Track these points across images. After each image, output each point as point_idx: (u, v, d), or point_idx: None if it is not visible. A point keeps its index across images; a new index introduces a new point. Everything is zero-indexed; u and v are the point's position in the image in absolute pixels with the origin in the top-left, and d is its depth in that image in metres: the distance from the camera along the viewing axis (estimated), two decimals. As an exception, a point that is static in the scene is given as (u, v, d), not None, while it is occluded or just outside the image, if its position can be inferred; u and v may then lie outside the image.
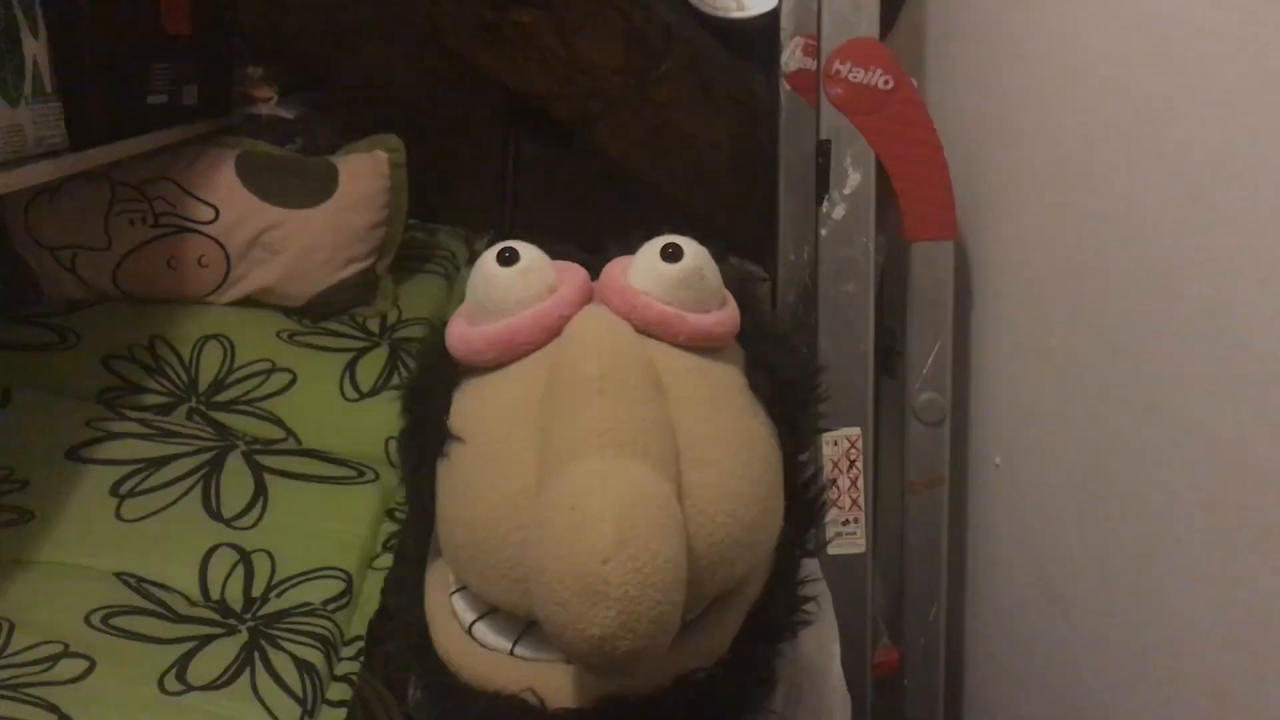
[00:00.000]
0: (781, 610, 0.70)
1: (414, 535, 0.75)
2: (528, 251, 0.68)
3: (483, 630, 0.65)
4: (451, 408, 0.68)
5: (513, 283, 0.67)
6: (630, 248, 0.71)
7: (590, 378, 0.60)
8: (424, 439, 0.70)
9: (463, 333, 0.68)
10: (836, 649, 0.86)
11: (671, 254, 0.67)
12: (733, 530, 0.62)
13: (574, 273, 0.70)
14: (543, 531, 0.54)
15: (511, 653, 0.64)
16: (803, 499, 0.74)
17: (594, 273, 0.71)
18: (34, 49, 1.02)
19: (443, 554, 0.68)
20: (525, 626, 0.64)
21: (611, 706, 0.61)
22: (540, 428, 0.61)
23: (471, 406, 0.68)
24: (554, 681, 0.62)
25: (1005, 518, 1.13)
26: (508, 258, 0.67)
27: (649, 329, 0.66)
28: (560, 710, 0.62)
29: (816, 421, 0.76)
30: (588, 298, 0.69)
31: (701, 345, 0.68)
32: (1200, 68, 0.79)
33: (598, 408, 0.59)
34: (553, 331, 0.66)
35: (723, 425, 0.65)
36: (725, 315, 0.69)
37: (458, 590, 0.68)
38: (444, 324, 0.71)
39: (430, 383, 0.72)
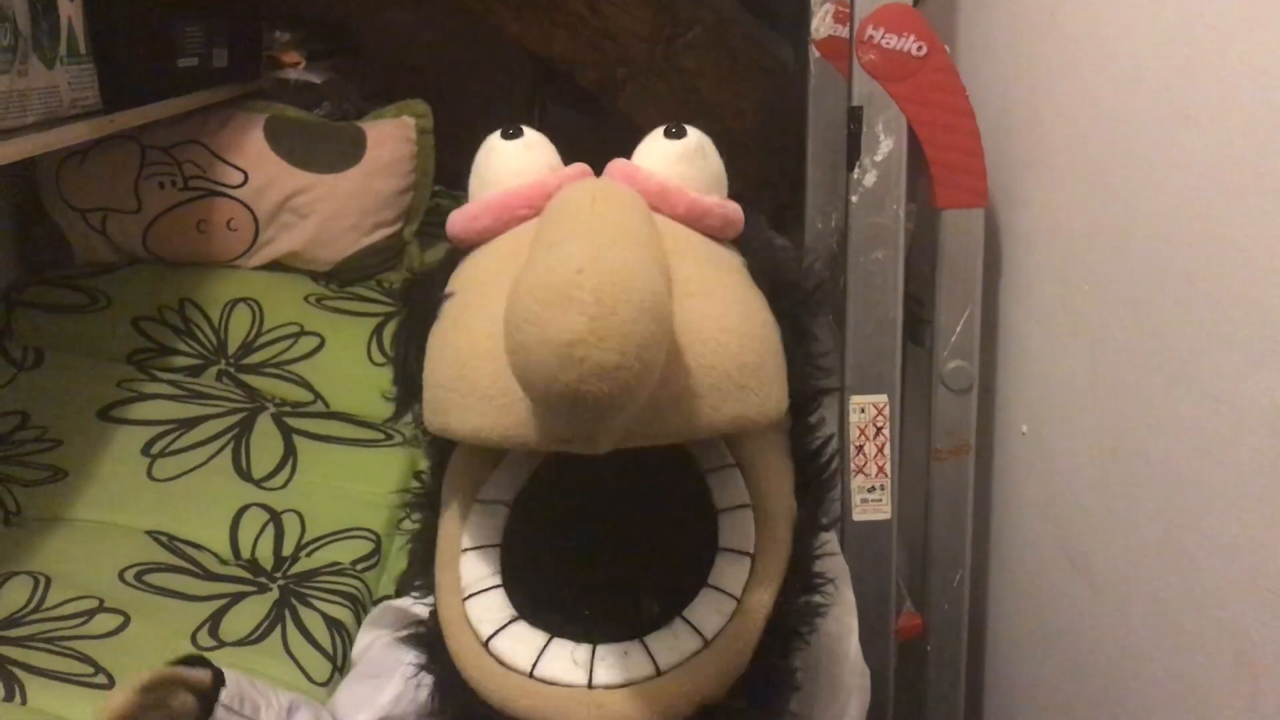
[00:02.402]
0: (801, 615, 0.69)
1: (426, 507, 0.74)
2: (531, 131, 0.69)
3: (500, 646, 0.63)
4: (447, 284, 0.68)
5: (516, 154, 0.68)
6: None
7: (584, 198, 0.61)
8: (416, 318, 0.70)
9: (461, 209, 0.69)
10: (854, 623, 0.85)
11: (675, 133, 0.69)
12: (725, 359, 0.59)
13: (578, 164, 0.71)
14: (520, 275, 0.53)
15: (531, 674, 0.61)
16: (814, 467, 0.73)
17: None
18: (68, 10, 1.03)
19: (424, 411, 0.66)
20: (544, 643, 0.62)
21: None
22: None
23: (465, 271, 0.67)
24: (576, 711, 0.60)
25: (1031, 485, 1.13)
26: (512, 133, 0.68)
27: (649, 200, 0.66)
28: None
29: (819, 351, 0.75)
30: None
31: (700, 223, 0.68)
32: (1235, 33, 0.78)
33: (589, 213, 0.59)
34: (550, 199, 0.66)
35: (719, 275, 0.64)
36: (728, 203, 0.70)
37: (471, 596, 0.65)
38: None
39: (428, 280, 0.72)
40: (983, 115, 1.10)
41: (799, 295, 0.72)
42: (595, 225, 0.57)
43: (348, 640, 1.04)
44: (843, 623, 0.83)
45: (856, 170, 1.10)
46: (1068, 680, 1.07)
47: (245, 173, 1.38)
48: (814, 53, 1.26)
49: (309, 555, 1.13)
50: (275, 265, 1.42)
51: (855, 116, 1.09)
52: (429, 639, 0.70)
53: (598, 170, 0.72)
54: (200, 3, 1.34)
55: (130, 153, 1.36)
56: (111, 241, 1.38)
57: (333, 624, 1.03)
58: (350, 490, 1.21)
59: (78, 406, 1.21)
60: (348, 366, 1.34)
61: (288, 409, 1.28)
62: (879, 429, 1.13)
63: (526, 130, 0.69)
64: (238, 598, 1.03)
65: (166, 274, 1.39)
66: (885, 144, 1.09)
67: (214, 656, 0.96)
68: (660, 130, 0.70)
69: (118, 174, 1.36)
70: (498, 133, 0.69)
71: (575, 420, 0.54)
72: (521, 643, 0.62)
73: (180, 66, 1.29)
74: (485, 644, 0.63)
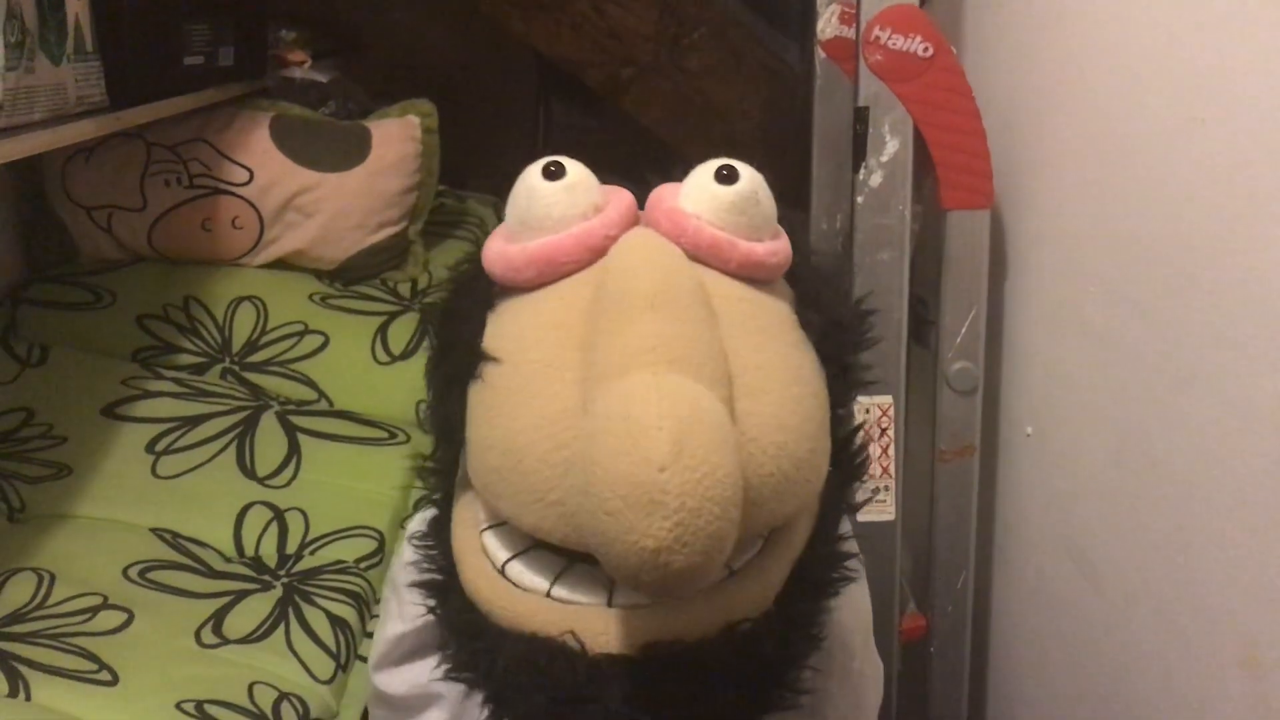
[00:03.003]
0: (825, 565, 0.67)
1: (439, 473, 0.72)
2: (574, 167, 0.65)
3: (517, 570, 0.61)
4: (486, 330, 0.65)
5: (558, 198, 0.63)
6: (675, 179, 0.68)
7: (641, 293, 0.58)
8: (455, 361, 0.66)
9: (501, 250, 0.65)
10: (868, 617, 0.85)
11: (726, 175, 0.64)
12: (782, 464, 0.58)
13: (620, 195, 0.67)
14: (593, 443, 0.52)
15: (548, 594, 0.60)
16: (846, 452, 0.71)
17: (639, 203, 0.68)
18: (75, 7, 1.03)
19: (472, 481, 0.65)
20: (563, 567, 0.61)
21: (655, 653, 0.58)
22: (583, 347, 0.58)
23: (508, 327, 0.64)
24: (594, 626, 0.59)
25: (1035, 487, 1.13)
26: (553, 171, 0.64)
27: (699, 254, 0.63)
28: (601, 656, 0.58)
29: (862, 369, 0.73)
30: (634, 221, 0.66)
31: (752, 275, 0.65)
32: (1243, 35, 0.78)
33: (650, 323, 0.56)
34: (597, 252, 0.63)
35: (774, 356, 0.62)
36: (778, 245, 0.66)
37: (488, 528, 0.64)
38: (479, 247, 0.67)
39: (464, 304, 0.68)
40: (989, 116, 1.10)
41: (847, 339, 0.71)
42: (658, 342, 0.55)
43: (352, 638, 1.04)
44: (857, 616, 0.82)
45: (862, 171, 1.10)
46: (1072, 682, 1.06)
47: (250, 171, 1.38)
48: (820, 53, 1.26)
49: (312, 553, 1.13)
50: (280, 264, 1.42)
51: (861, 117, 1.09)
52: (439, 576, 0.68)
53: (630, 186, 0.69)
54: (206, 1, 1.34)
55: (136, 150, 1.36)
56: (116, 239, 1.38)
57: (336, 622, 1.03)
58: (354, 488, 1.21)
59: (82, 404, 1.21)
60: (352, 365, 1.35)
61: (292, 407, 1.29)
62: (883, 430, 1.13)
63: (568, 167, 0.64)
64: (241, 595, 1.04)
65: (171, 272, 1.39)
66: (891, 145, 1.09)
67: (217, 654, 0.97)
68: (711, 169, 0.65)
69: (123, 171, 1.36)
70: (538, 169, 0.64)
71: (650, 593, 0.56)
72: (539, 566, 0.61)
73: (186, 64, 1.29)
74: (501, 569, 0.62)
